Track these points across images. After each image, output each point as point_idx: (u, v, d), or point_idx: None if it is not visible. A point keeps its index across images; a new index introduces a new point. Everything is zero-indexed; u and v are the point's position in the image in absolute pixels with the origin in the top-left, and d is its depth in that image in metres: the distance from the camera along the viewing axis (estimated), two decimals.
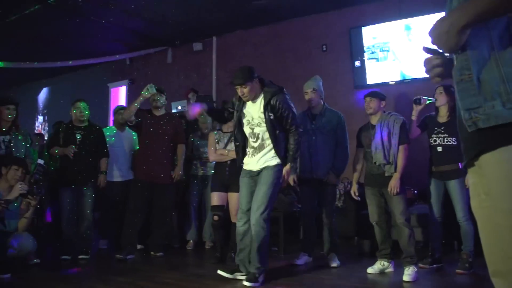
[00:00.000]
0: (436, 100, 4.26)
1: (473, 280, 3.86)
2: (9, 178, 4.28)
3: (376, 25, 6.51)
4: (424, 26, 6.02)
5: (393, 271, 4.12)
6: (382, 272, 4.10)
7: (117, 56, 8.88)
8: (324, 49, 7.09)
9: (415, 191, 5.52)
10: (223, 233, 4.77)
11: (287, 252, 5.12)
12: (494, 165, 1.15)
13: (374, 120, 4.20)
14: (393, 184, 3.94)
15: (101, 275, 4.41)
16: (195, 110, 4.32)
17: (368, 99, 4.21)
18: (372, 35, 6.54)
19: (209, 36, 8.30)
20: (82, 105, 5.10)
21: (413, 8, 6.05)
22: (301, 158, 4.63)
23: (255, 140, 3.91)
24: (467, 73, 1.19)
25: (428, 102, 4.27)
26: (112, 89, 9.85)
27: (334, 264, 4.44)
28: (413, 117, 4.32)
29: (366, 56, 6.58)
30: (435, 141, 4.28)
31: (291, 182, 4.05)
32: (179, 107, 6.98)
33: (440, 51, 1.29)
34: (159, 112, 5.25)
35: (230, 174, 4.53)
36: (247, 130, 3.97)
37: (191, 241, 5.72)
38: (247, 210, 3.86)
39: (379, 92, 4.31)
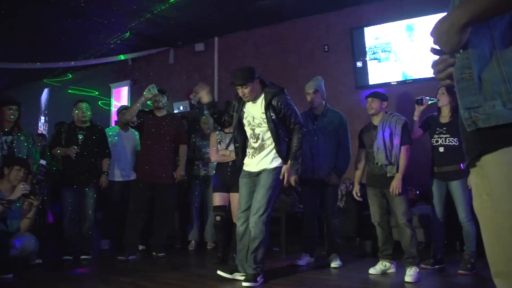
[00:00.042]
0: (438, 100, 4.26)
1: (475, 281, 3.85)
2: (11, 178, 4.29)
3: (378, 25, 6.51)
4: (426, 26, 6.01)
5: (395, 272, 4.11)
6: (384, 273, 4.10)
7: (119, 56, 8.89)
8: (326, 49, 7.09)
9: (417, 192, 5.51)
10: (225, 233, 4.77)
11: (289, 253, 5.12)
12: (495, 166, 1.15)
13: (376, 120, 4.20)
14: (395, 185, 3.94)
15: (102, 276, 4.42)
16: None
17: (370, 99, 4.20)
18: (374, 35, 6.54)
19: (211, 37, 8.31)
20: (84, 105, 5.11)
21: (415, 8, 6.04)
22: (303, 158, 4.62)
23: (255, 140, 3.91)
24: (467, 72, 1.18)
25: (430, 102, 4.26)
26: (114, 89, 9.87)
27: (335, 265, 4.43)
28: (415, 118, 4.31)
29: (368, 56, 6.58)
30: (437, 141, 4.27)
31: (292, 182, 4.03)
32: (181, 108, 6.99)
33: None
34: (161, 113, 5.26)
35: (232, 174, 4.53)
36: (248, 130, 3.97)
37: (193, 242, 5.72)
38: (245, 210, 3.87)
39: (381, 92, 4.31)
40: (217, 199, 4.70)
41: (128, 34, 7.86)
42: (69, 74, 10.14)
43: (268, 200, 3.75)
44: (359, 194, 4.34)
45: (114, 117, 9.39)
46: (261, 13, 7.04)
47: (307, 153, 4.57)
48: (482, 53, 1.16)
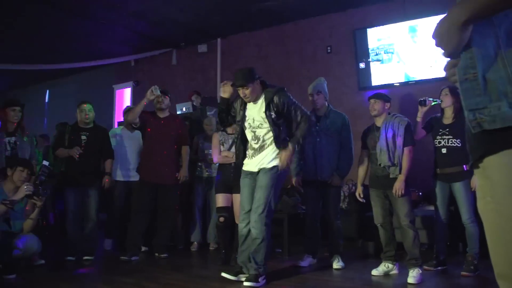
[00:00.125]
0: (441, 101, 4.25)
1: (478, 282, 3.84)
2: (14, 179, 4.30)
3: (381, 26, 6.51)
4: (429, 27, 6.01)
5: (397, 273, 4.11)
6: (386, 274, 4.09)
7: (122, 57, 8.91)
8: (329, 50, 7.09)
9: (420, 193, 5.50)
10: (227, 234, 4.77)
11: (291, 254, 5.11)
12: (497, 168, 1.13)
13: (378, 121, 4.19)
14: (398, 186, 3.93)
15: (105, 276, 4.43)
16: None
17: (372, 101, 4.20)
18: (377, 36, 6.54)
19: (214, 38, 8.32)
20: (87, 106, 5.12)
21: (418, 9, 6.04)
22: (306, 159, 4.63)
23: (256, 141, 3.91)
24: (472, 72, 1.15)
25: (433, 103, 4.25)
26: (117, 90, 9.89)
27: (338, 266, 4.43)
28: (418, 119, 4.31)
29: (370, 57, 6.58)
30: (439, 142, 4.26)
31: (284, 165, 3.84)
32: (184, 109, 6.99)
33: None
34: (164, 114, 5.26)
35: (235, 175, 4.53)
36: (248, 133, 3.97)
37: (196, 243, 5.73)
38: (249, 211, 3.86)
39: (384, 94, 4.30)
40: (220, 200, 4.70)
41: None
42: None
43: (267, 199, 3.75)
44: (362, 196, 4.33)
45: (116, 118, 9.41)
46: (264, 14, 7.05)
47: (310, 154, 4.57)
48: (487, 52, 1.13)
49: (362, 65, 6.66)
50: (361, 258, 5.00)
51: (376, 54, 6.54)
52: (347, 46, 6.85)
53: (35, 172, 4.68)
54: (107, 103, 9.52)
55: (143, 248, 5.44)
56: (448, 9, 1.15)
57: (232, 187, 4.60)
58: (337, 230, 4.56)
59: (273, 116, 3.80)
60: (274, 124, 3.80)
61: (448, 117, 4.26)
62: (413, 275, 3.79)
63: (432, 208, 4.61)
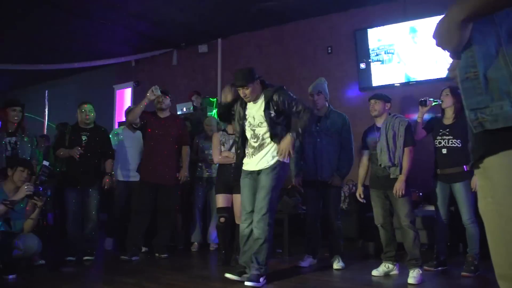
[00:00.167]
0: (442, 102, 4.25)
1: (478, 283, 3.84)
2: (15, 179, 4.30)
3: (381, 27, 6.51)
4: (430, 28, 6.01)
5: (398, 274, 4.11)
6: (387, 275, 4.09)
7: (123, 58, 8.92)
8: (330, 51, 7.09)
9: (420, 193, 5.50)
10: (228, 234, 4.77)
11: (292, 254, 5.12)
12: (497, 169, 1.12)
13: (379, 122, 4.19)
14: (398, 186, 3.93)
15: (105, 276, 4.44)
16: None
17: (372, 101, 4.20)
18: (377, 37, 6.54)
19: (214, 38, 8.32)
20: (88, 107, 5.12)
21: (418, 10, 6.04)
22: (306, 160, 4.64)
23: (255, 140, 3.91)
24: (472, 71, 1.13)
25: (434, 104, 4.25)
26: (117, 91, 9.89)
27: (338, 266, 4.43)
28: (419, 119, 4.31)
29: (371, 58, 6.58)
30: (439, 143, 4.26)
31: (285, 155, 3.79)
32: (184, 109, 6.99)
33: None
34: (164, 114, 5.26)
35: (235, 176, 4.53)
36: (248, 132, 3.97)
37: (196, 243, 5.73)
38: (251, 211, 3.86)
39: (384, 94, 4.30)
40: (221, 200, 4.69)
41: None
42: None
43: (270, 200, 3.75)
44: (362, 196, 4.33)
45: (117, 119, 9.42)
46: (264, 14, 7.05)
47: (310, 155, 4.58)
48: (488, 51, 1.12)
49: (362, 66, 6.66)
50: (361, 258, 5.00)
51: (377, 55, 6.54)
52: (347, 47, 6.85)
53: (36, 172, 4.68)
54: (107, 103, 9.52)
55: (144, 249, 5.44)
56: (448, 8, 1.15)
57: (232, 187, 4.60)
58: (338, 230, 4.56)
59: (272, 115, 3.81)
60: (273, 123, 3.80)
61: (448, 118, 4.26)
62: (413, 276, 3.79)
63: (432, 208, 4.61)
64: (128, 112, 6.05)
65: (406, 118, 4.19)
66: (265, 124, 3.85)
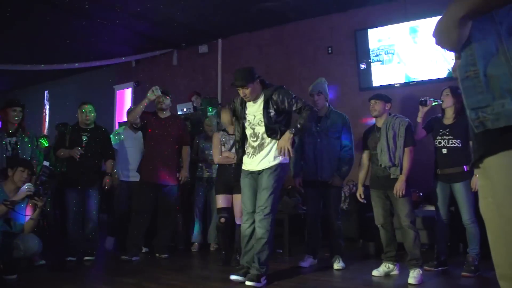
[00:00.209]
0: (442, 102, 4.25)
1: (479, 283, 3.83)
2: (15, 179, 4.31)
3: (382, 27, 6.51)
4: (430, 28, 6.01)
5: (398, 274, 4.10)
6: (387, 275, 4.09)
7: (123, 58, 8.92)
8: (330, 51, 7.10)
9: (421, 194, 5.50)
10: (228, 235, 4.77)
11: (292, 254, 5.12)
12: (497, 169, 1.12)
13: (379, 122, 4.20)
14: (399, 187, 3.93)
15: (106, 276, 4.44)
16: None
17: (373, 101, 4.20)
18: (378, 37, 6.54)
19: (215, 38, 8.33)
20: (88, 107, 5.12)
21: (419, 10, 6.04)
22: (306, 160, 4.64)
23: (255, 139, 3.91)
24: (472, 69, 1.13)
25: (434, 103, 4.25)
26: (118, 91, 9.89)
27: (339, 267, 4.43)
28: (419, 119, 4.31)
29: (371, 58, 6.58)
30: (439, 143, 4.26)
31: (284, 151, 3.79)
32: (184, 109, 6.99)
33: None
34: (164, 114, 5.26)
35: (235, 176, 4.53)
36: (248, 131, 3.97)
37: (196, 243, 5.73)
38: (253, 211, 3.86)
39: (384, 94, 4.30)
40: (221, 201, 4.70)
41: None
42: None
43: (273, 200, 3.76)
44: (363, 196, 4.33)
45: (117, 119, 9.42)
46: (265, 15, 7.05)
47: (310, 155, 4.57)
48: (488, 48, 1.11)
49: (362, 66, 6.66)
50: (361, 258, 4.99)
51: (377, 55, 6.54)
52: (347, 47, 6.85)
53: (36, 173, 4.68)
54: (107, 104, 9.53)
55: (144, 249, 5.44)
56: (447, 6, 1.14)
57: (232, 187, 4.60)
58: (338, 230, 4.56)
59: (271, 114, 3.81)
60: (272, 121, 3.79)
61: (448, 118, 4.26)
62: (413, 276, 3.79)
63: (432, 208, 4.61)
64: (129, 112, 6.05)
65: (406, 118, 4.18)
66: (264, 123, 3.85)
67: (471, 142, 1.25)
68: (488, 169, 1.16)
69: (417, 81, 6.19)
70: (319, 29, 7.22)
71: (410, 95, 5.98)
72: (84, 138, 5.04)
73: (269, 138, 3.84)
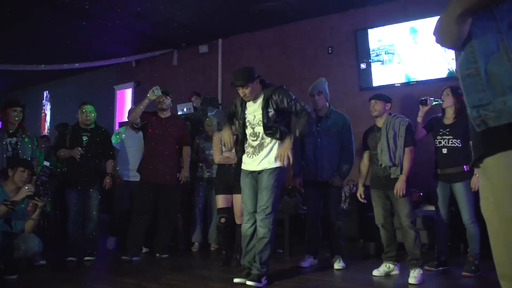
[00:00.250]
0: (442, 101, 4.25)
1: (479, 283, 3.83)
2: (16, 180, 4.30)
3: (382, 27, 6.51)
4: (430, 28, 6.00)
5: (398, 274, 4.10)
6: (387, 275, 4.09)
7: (123, 58, 8.92)
8: (330, 51, 7.10)
9: (421, 194, 5.50)
10: (228, 235, 4.77)
11: (292, 254, 5.11)
12: (496, 170, 1.11)
13: (379, 122, 4.19)
14: (399, 186, 3.93)
15: (106, 277, 4.44)
16: None
17: (373, 101, 4.20)
18: (378, 37, 6.54)
19: (215, 38, 8.33)
20: (88, 107, 5.12)
21: (419, 10, 6.04)
22: (307, 160, 4.63)
23: (255, 139, 3.91)
24: (473, 67, 1.12)
25: (434, 103, 4.25)
26: (118, 91, 9.89)
27: (339, 267, 4.43)
28: (419, 118, 4.31)
29: (371, 58, 6.59)
30: (440, 143, 4.26)
31: (284, 160, 3.77)
32: (185, 109, 6.99)
33: None
34: (165, 115, 5.27)
35: (235, 176, 4.52)
36: (248, 130, 3.97)
37: (197, 243, 5.73)
38: (253, 211, 3.86)
39: (384, 94, 4.30)
40: (221, 201, 4.70)
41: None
42: None
43: (274, 200, 3.76)
44: (363, 196, 4.32)
45: (117, 119, 9.42)
46: (265, 15, 7.05)
47: (311, 155, 4.58)
48: (488, 46, 1.10)
49: (363, 66, 6.66)
50: (362, 258, 5.00)
51: (377, 55, 6.54)
52: (348, 47, 6.85)
53: (36, 173, 4.68)
54: (108, 104, 9.52)
55: (144, 249, 5.44)
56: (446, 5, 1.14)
57: (232, 187, 4.60)
58: (338, 230, 4.56)
59: (271, 113, 3.80)
60: (268, 119, 3.79)
61: (449, 117, 4.26)
62: (414, 276, 3.79)
63: (433, 208, 4.61)
64: (130, 112, 6.05)
65: (407, 118, 4.18)
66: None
67: (471, 142, 1.25)
68: (487, 170, 1.16)
69: (417, 81, 6.19)
70: (319, 29, 7.22)
71: (410, 95, 5.98)
72: (85, 138, 5.05)
73: (269, 138, 3.84)
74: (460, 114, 4.13)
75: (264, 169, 3.82)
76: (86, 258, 4.92)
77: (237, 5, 6.74)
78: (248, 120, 3.95)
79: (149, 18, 7.23)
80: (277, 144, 3.81)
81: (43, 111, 11.57)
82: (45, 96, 11.63)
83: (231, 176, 4.61)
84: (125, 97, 9.76)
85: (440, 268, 4.23)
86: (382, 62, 6.50)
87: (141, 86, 9.27)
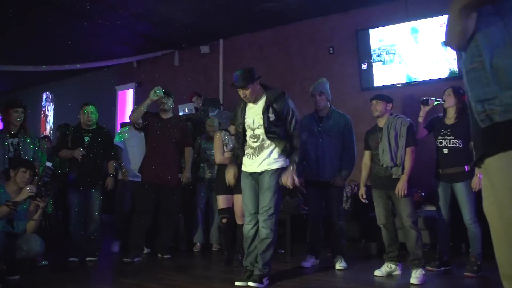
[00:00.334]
0: (444, 101, 4.25)
1: (481, 283, 3.83)
2: (17, 180, 4.31)
3: (383, 27, 6.51)
4: (431, 28, 6.01)
5: (400, 274, 4.10)
6: (389, 275, 4.08)
7: (125, 59, 8.93)
8: (331, 51, 7.10)
9: (423, 194, 5.50)
10: (230, 235, 4.76)
11: (294, 255, 5.12)
12: (496, 170, 1.11)
13: (381, 122, 4.19)
14: (401, 187, 3.93)
15: (108, 277, 4.44)
16: None
17: (374, 102, 4.20)
18: (379, 37, 6.55)
19: (216, 39, 8.34)
20: (90, 108, 5.13)
21: (420, 10, 6.05)
22: (308, 160, 4.63)
23: (255, 140, 3.90)
24: (478, 60, 1.10)
25: (436, 103, 4.25)
26: (119, 92, 9.90)
27: (341, 267, 4.42)
28: (420, 118, 4.30)
29: (372, 58, 6.59)
30: (441, 143, 4.25)
31: (297, 182, 3.89)
32: (186, 110, 7.00)
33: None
34: (166, 115, 5.27)
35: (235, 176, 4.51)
36: (248, 132, 3.97)
37: (198, 244, 5.73)
38: (255, 212, 3.86)
39: (386, 94, 4.29)
40: (222, 201, 4.70)
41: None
42: None
43: (276, 201, 3.77)
44: (364, 196, 4.33)
45: (119, 120, 9.42)
46: (266, 15, 7.06)
47: (312, 155, 4.57)
48: (494, 40, 1.09)
49: (364, 66, 6.67)
50: (363, 258, 4.99)
51: (378, 55, 6.55)
52: (349, 47, 6.85)
53: (38, 173, 4.69)
54: (109, 104, 9.53)
55: (146, 249, 5.44)
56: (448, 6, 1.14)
57: (232, 187, 4.59)
58: (340, 230, 4.55)
59: (272, 118, 3.80)
60: (270, 125, 3.79)
61: (450, 117, 4.26)
62: (416, 276, 3.79)
63: (434, 208, 4.61)
64: (132, 113, 6.05)
65: (408, 118, 4.18)
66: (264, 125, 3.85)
67: (471, 142, 1.25)
68: (488, 170, 1.16)
69: (419, 81, 6.19)
70: (320, 30, 7.22)
71: (412, 95, 5.98)
72: (86, 139, 5.05)
73: (269, 140, 3.84)
74: (461, 114, 4.12)
75: (265, 171, 3.82)
76: (88, 258, 4.92)
77: (238, 6, 6.74)
78: (247, 124, 3.95)
79: (150, 18, 7.24)
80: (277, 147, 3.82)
81: (42, 112, 11.58)
82: (44, 97, 11.64)
83: None
84: (127, 98, 9.77)
85: (442, 268, 4.23)
86: (383, 62, 6.51)
87: (142, 87, 9.29)
